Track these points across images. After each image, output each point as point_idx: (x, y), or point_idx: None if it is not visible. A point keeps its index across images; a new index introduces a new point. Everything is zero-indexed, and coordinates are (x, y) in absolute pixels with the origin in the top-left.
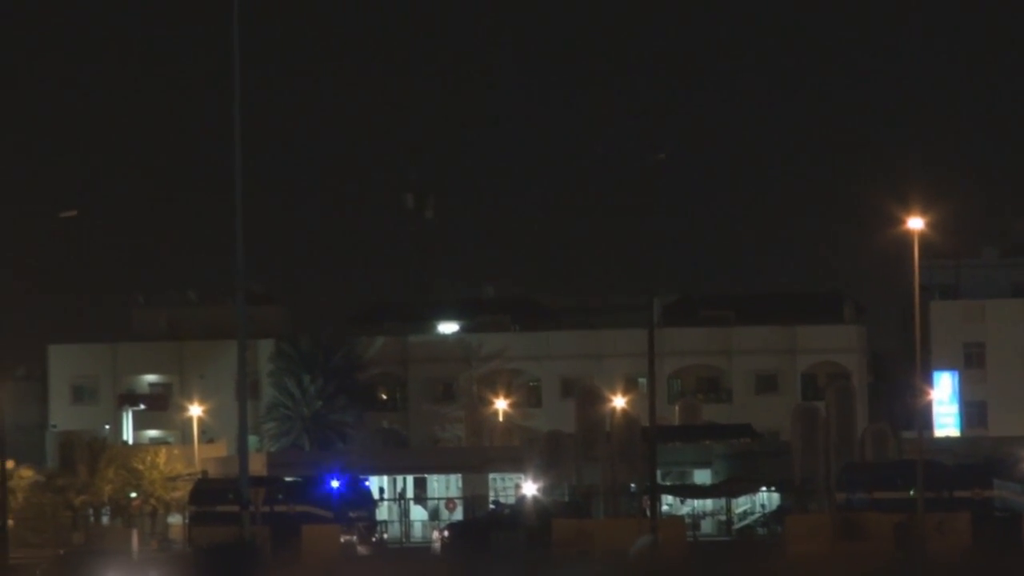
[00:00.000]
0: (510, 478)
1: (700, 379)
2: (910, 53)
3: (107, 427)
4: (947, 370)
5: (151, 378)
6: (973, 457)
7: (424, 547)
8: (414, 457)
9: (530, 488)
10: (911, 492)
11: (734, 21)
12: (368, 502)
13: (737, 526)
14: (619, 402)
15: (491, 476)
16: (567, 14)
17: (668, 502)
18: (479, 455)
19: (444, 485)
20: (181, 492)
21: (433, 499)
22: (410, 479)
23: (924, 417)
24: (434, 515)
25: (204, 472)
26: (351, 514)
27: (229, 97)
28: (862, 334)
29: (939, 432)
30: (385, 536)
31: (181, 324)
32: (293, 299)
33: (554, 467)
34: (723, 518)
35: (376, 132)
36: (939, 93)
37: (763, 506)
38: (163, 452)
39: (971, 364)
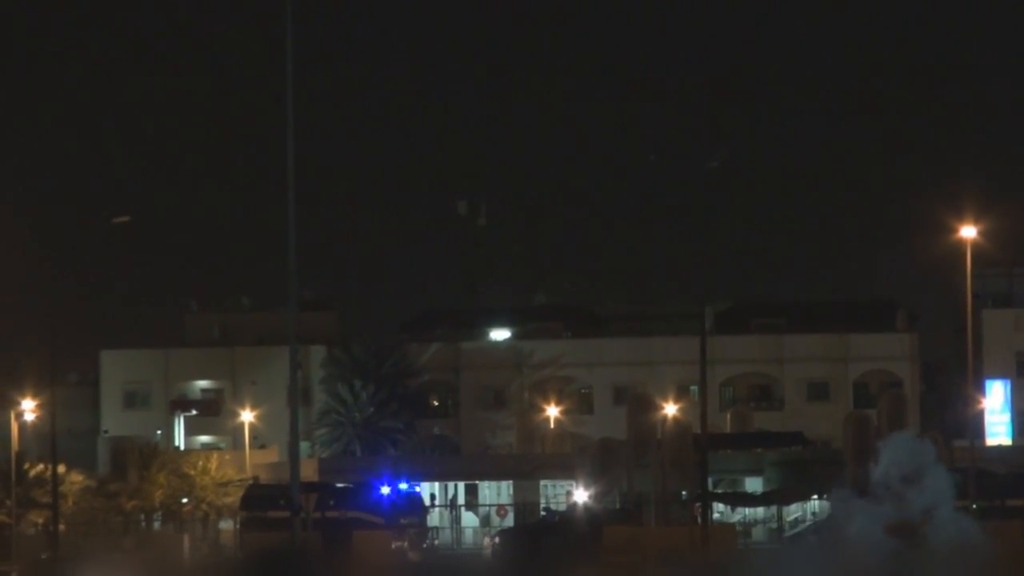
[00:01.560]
0: (561, 485)
1: (752, 387)
2: (966, 60)
3: (159, 432)
4: (999, 378)
5: (203, 384)
6: None
7: (475, 553)
8: (465, 463)
9: (581, 495)
10: (963, 501)
11: (789, 24)
12: (419, 508)
13: (788, 534)
14: (671, 409)
15: (542, 483)
16: (623, 16)
17: (719, 510)
18: (530, 462)
19: (495, 492)
20: (232, 498)
21: (484, 506)
22: (461, 486)
23: (976, 426)
24: (485, 522)
25: (255, 478)
26: (402, 520)
27: (283, 104)
28: (914, 342)
29: (991, 441)
30: (436, 542)
31: (233, 330)
32: (345, 306)
33: (605, 474)
34: (774, 526)
35: (429, 138)
36: (995, 100)
37: (814, 514)
38: (215, 457)
39: (1023, 373)
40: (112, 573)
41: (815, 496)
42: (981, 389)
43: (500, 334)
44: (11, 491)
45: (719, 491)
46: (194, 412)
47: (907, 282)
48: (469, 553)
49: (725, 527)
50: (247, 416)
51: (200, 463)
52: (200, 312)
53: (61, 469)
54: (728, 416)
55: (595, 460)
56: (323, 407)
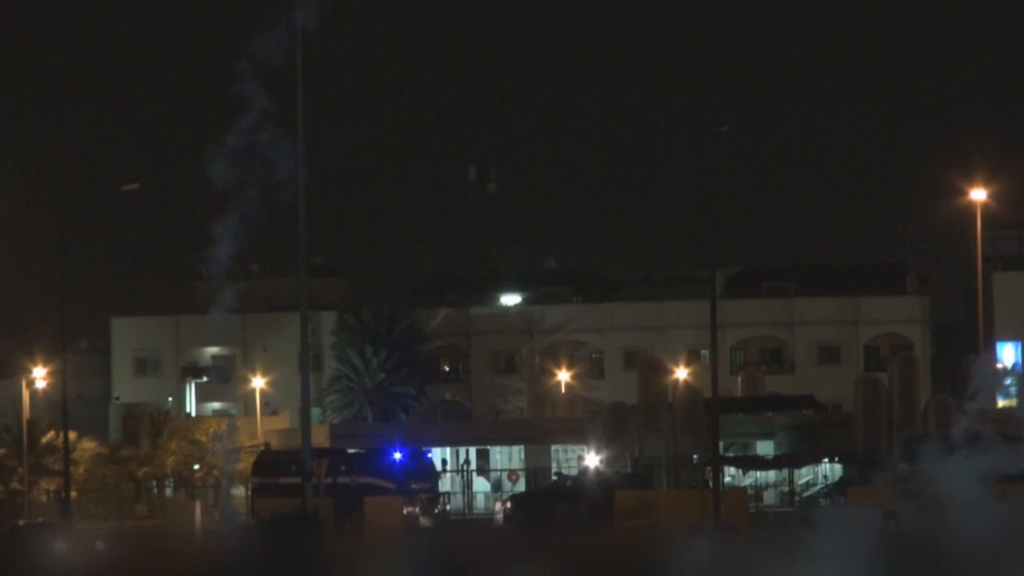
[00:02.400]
0: (572, 450)
1: (763, 350)
2: (975, 24)
3: (170, 399)
4: (1010, 340)
5: (214, 350)
6: None
7: (487, 519)
8: (477, 429)
9: (592, 460)
10: None
11: None
12: (431, 474)
13: (800, 497)
14: (682, 374)
15: (553, 448)
16: None
17: (730, 473)
18: (541, 427)
19: (507, 457)
20: (244, 464)
21: (496, 471)
22: (473, 451)
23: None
24: (496, 487)
25: (267, 444)
26: (414, 486)
27: (292, 70)
28: (925, 305)
29: (1002, 403)
30: (448, 508)
31: (244, 296)
32: (356, 271)
33: (616, 439)
34: (786, 489)
35: (439, 104)
36: (1005, 63)
37: (825, 477)
38: (226, 424)
39: None
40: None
41: (826, 459)
42: (992, 351)
43: (511, 299)
44: (23, 458)
45: (730, 455)
46: (205, 379)
47: (918, 245)
48: (481, 518)
49: (736, 491)
50: (258, 383)
51: (211, 430)
52: (211, 279)
53: (73, 436)
54: (739, 380)
55: (606, 425)
56: (334, 373)
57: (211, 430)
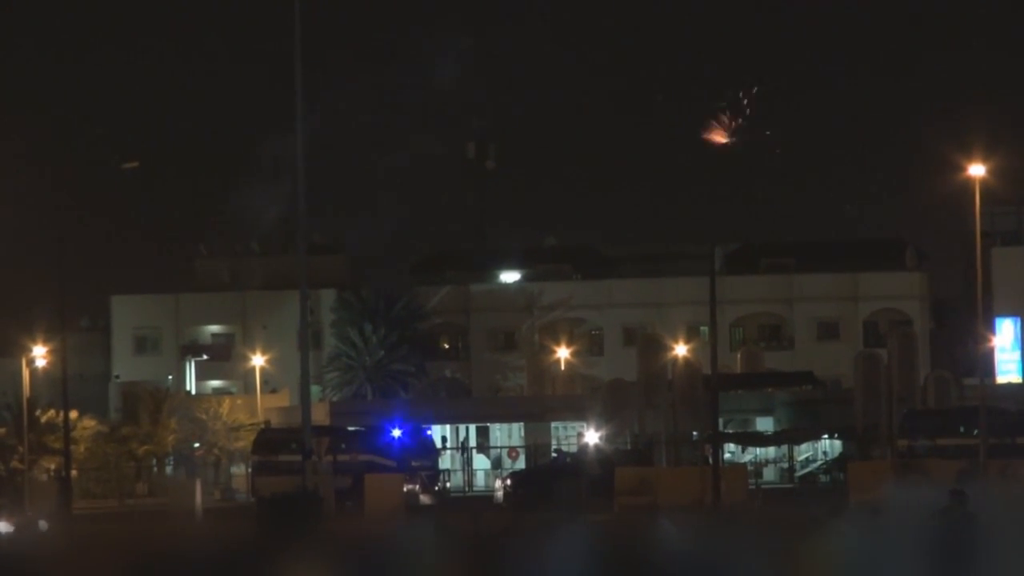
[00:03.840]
0: (572, 427)
1: (762, 327)
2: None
3: (170, 377)
4: (1009, 316)
5: (214, 328)
6: None
7: (487, 496)
8: (476, 406)
9: (592, 437)
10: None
11: None
12: (431, 451)
13: (799, 473)
14: (681, 350)
15: (553, 425)
16: None
17: (730, 450)
18: (541, 404)
19: (506, 434)
20: (244, 442)
21: (495, 448)
22: (472, 428)
23: (986, 364)
24: (496, 464)
25: (267, 422)
26: (414, 463)
27: (290, 45)
28: (924, 281)
29: (1001, 379)
30: (448, 485)
31: (244, 274)
32: (355, 249)
33: (616, 416)
34: (785, 466)
35: (436, 80)
36: (1003, 36)
37: (825, 453)
38: (226, 402)
39: None
40: None
41: (826, 435)
42: (991, 327)
43: (510, 276)
44: (24, 437)
45: (730, 431)
46: (205, 357)
47: (916, 221)
48: (481, 495)
49: (736, 467)
50: (258, 360)
51: (211, 408)
52: (210, 257)
53: (73, 415)
54: (738, 356)
55: (606, 401)
56: (333, 351)
57: (211, 408)
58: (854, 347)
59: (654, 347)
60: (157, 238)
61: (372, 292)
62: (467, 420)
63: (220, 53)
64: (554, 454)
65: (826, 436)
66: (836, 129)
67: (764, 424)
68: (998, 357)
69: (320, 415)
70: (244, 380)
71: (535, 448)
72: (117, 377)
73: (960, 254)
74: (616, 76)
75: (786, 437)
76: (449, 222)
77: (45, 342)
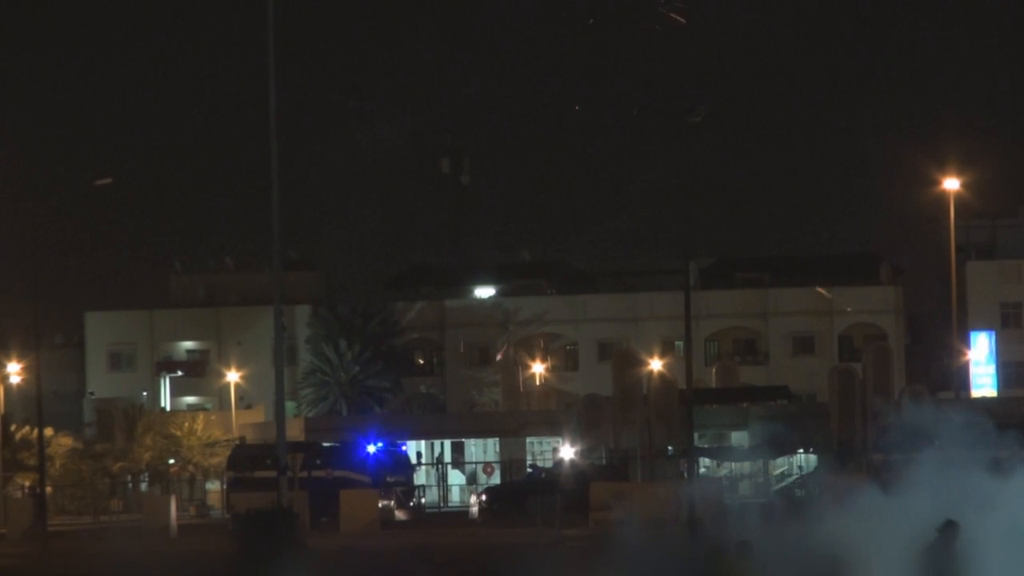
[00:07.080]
0: (547, 442)
1: (737, 341)
2: (947, 11)
3: (145, 394)
4: (984, 330)
5: (188, 345)
6: (1010, 417)
7: (462, 511)
8: (451, 421)
9: (567, 452)
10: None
11: None
12: (406, 467)
13: (775, 488)
14: (656, 365)
15: (528, 440)
16: None
17: (705, 464)
18: (516, 419)
19: (482, 449)
20: (219, 458)
21: (471, 463)
22: (447, 444)
23: (961, 378)
24: (472, 479)
25: (242, 438)
26: (389, 479)
27: (264, 65)
28: (899, 295)
29: (976, 392)
30: (423, 501)
31: (218, 291)
32: (330, 265)
33: (591, 430)
34: (761, 480)
35: (413, 97)
36: (976, 52)
37: (800, 468)
38: (201, 418)
39: (1008, 324)
40: None
41: (801, 450)
42: (966, 341)
43: (485, 291)
44: None
45: (705, 446)
46: (180, 373)
47: (891, 235)
48: (456, 511)
49: (711, 482)
50: (233, 376)
51: (186, 424)
52: (185, 273)
53: (48, 432)
54: (713, 371)
55: (581, 416)
56: (309, 366)
57: (186, 424)
58: (829, 362)
59: (629, 362)
60: (131, 254)
61: (347, 308)
62: (442, 435)
63: (194, 72)
64: (529, 469)
65: (801, 451)
66: (812, 144)
67: (739, 439)
68: (973, 371)
69: (295, 431)
70: (219, 396)
71: (510, 463)
72: (92, 394)
73: (935, 268)
74: (593, 90)
75: (761, 452)
76: (424, 237)
77: (19, 359)
